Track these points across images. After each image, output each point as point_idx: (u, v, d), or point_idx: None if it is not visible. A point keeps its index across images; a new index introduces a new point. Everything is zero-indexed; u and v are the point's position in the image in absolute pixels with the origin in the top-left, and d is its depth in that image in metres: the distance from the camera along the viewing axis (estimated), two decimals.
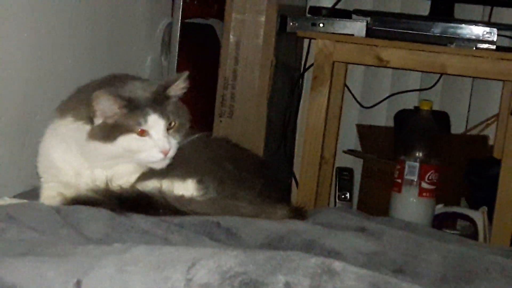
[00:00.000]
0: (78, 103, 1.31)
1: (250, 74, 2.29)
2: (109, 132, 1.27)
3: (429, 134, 2.31)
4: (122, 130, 1.26)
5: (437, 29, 2.21)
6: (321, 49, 2.20)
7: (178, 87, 1.32)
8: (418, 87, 2.73)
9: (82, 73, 1.85)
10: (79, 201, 1.26)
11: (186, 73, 1.33)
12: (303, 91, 2.64)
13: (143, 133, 1.27)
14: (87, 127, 1.28)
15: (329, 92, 2.24)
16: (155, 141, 1.27)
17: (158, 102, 1.28)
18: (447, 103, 2.72)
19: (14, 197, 1.40)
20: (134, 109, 1.26)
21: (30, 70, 1.65)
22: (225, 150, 1.41)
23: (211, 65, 2.35)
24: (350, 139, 2.79)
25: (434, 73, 2.53)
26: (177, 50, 2.13)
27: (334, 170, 2.56)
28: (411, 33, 2.22)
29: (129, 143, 1.27)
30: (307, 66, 2.56)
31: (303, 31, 2.29)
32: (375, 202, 2.46)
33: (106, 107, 1.26)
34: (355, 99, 2.75)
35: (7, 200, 1.33)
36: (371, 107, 2.75)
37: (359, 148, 2.71)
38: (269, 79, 2.28)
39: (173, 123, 1.29)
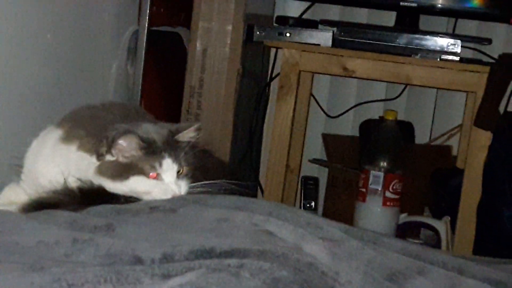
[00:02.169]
0: (86, 133, 1.31)
1: (216, 82, 2.30)
2: (121, 171, 1.27)
3: (393, 144, 2.34)
4: (135, 171, 1.27)
5: (402, 40, 2.24)
6: (287, 58, 2.22)
7: (188, 135, 1.33)
8: (383, 97, 2.75)
9: (47, 79, 1.86)
10: (37, 205, 1.26)
11: (198, 124, 1.34)
12: (270, 100, 2.64)
13: (155, 176, 1.27)
14: (93, 160, 1.28)
15: (295, 101, 2.26)
16: (166, 185, 1.28)
17: (172, 147, 1.29)
18: (411, 113, 2.74)
19: None
20: (151, 152, 1.27)
21: None
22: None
23: (177, 73, 2.34)
24: (315, 148, 2.80)
25: (399, 83, 2.56)
26: (143, 58, 2.14)
27: (300, 179, 2.57)
28: (376, 43, 2.25)
29: (140, 184, 1.27)
30: (273, 75, 2.58)
31: (270, 41, 2.31)
32: (340, 211, 2.46)
33: (127, 147, 1.26)
34: (321, 108, 2.76)
35: None
36: (337, 116, 2.76)
37: (324, 157, 2.71)
38: (236, 88, 2.30)
39: (182, 170, 1.30)
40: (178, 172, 1.30)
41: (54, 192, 1.28)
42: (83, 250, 1.06)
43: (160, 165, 1.27)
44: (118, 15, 2.15)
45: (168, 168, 1.28)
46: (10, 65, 1.70)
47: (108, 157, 1.27)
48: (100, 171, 1.27)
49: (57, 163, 1.30)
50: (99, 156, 1.28)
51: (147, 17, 2.13)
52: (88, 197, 1.27)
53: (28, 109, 1.81)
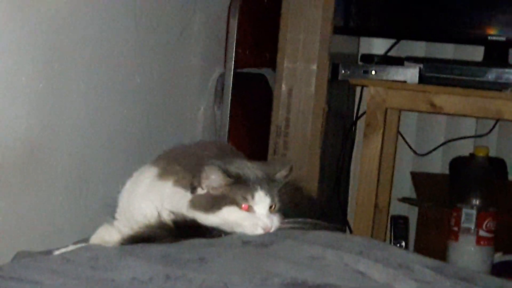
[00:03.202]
0: (181, 169, 1.33)
1: (302, 122, 2.30)
2: (213, 202, 1.29)
3: (485, 181, 2.30)
4: (227, 202, 1.28)
5: (491, 74, 2.20)
6: (373, 96, 2.22)
7: (282, 175, 1.35)
8: (473, 134, 2.67)
9: (137, 122, 1.92)
10: (132, 239, 1.28)
11: (291, 164, 1.37)
12: (356, 139, 2.62)
13: (247, 208, 1.28)
14: (187, 194, 1.30)
15: (382, 139, 2.24)
16: (258, 217, 1.29)
17: (265, 182, 1.30)
18: (503, 149, 2.66)
19: (73, 243, 1.41)
20: (242, 184, 1.29)
21: (88, 121, 1.70)
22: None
23: (263, 115, 2.37)
24: (404, 186, 2.74)
25: (489, 119, 2.51)
26: (229, 100, 2.17)
27: (389, 218, 2.52)
28: (464, 79, 2.21)
29: (232, 215, 1.29)
30: (359, 114, 2.57)
31: (355, 79, 2.30)
32: (431, 251, 2.31)
33: (213, 181, 1.28)
34: (409, 146, 2.71)
35: (69, 247, 1.36)
36: (426, 154, 2.70)
37: (414, 196, 2.66)
38: (322, 127, 2.30)
39: (273, 206, 1.31)
40: (270, 207, 1.30)
41: (148, 226, 1.30)
42: (176, 285, 1.07)
43: (253, 197, 1.28)
44: (205, 58, 2.19)
45: (261, 200, 1.29)
46: (102, 107, 1.75)
47: (200, 190, 1.30)
48: (194, 204, 1.29)
49: (152, 199, 1.32)
50: (192, 189, 1.30)
51: (233, 60, 2.17)
52: (181, 230, 1.28)
53: (119, 152, 1.85)
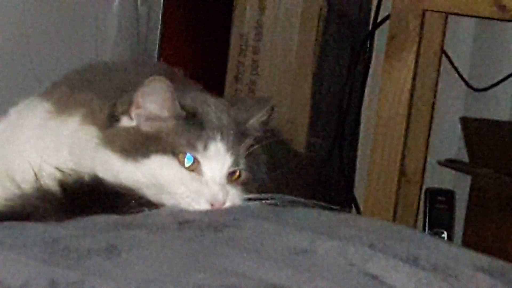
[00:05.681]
0: (94, 97, 1.33)
1: (284, 29, 2.25)
2: (139, 143, 1.28)
3: None
4: (160, 147, 1.27)
5: None
6: None
7: (259, 121, 1.34)
8: None
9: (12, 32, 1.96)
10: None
11: (271, 102, 1.37)
12: (372, 61, 2.56)
13: (192, 165, 1.27)
14: (99, 132, 1.30)
15: (416, 63, 2.16)
16: (206, 182, 1.28)
17: (230, 130, 1.30)
18: None
19: None
20: (194, 125, 1.28)
21: None
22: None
23: (217, 17, 2.30)
24: (450, 142, 2.74)
25: None
26: None
27: (423, 192, 2.46)
28: None
29: (165, 171, 1.27)
30: (379, 20, 2.50)
31: None
32: (490, 241, 2.42)
33: (154, 102, 1.27)
34: (460, 76, 2.64)
35: None
36: (485, 89, 2.66)
37: (464, 158, 2.64)
38: (316, 39, 2.23)
39: (239, 173, 1.30)
40: (232, 173, 1.29)
41: (23, 195, 1.29)
42: None
43: (205, 147, 1.26)
44: None
45: (217, 156, 1.27)
46: None
47: (125, 121, 1.27)
48: (108, 140, 1.28)
49: (41, 151, 1.33)
50: (112, 120, 1.28)
51: None
52: (75, 199, 1.27)
53: None
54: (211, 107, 1.31)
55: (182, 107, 1.27)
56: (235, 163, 1.28)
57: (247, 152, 1.32)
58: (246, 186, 1.31)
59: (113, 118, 1.28)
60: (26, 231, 1.20)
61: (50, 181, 1.30)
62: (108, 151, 1.28)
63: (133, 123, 1.27)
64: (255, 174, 1.34)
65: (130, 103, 1.27)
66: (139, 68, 1.43)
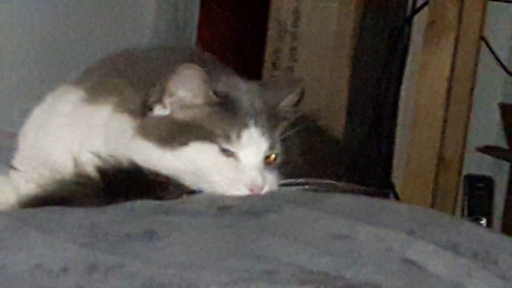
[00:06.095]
0: (125, 85, 1.34)
1: (322, 16, 2.27)
2: (176, 131, 1.29)
3: None
4: (199, 135, 1.28)
5: None
6: None
7: (291, 103, 1.36)
8: None
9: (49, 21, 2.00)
10: (38, 202, 1.28)
11: (301, 84, 1.38)
12: (411, 48, 2.60)
13: (229, 153, 1.29)
14: (133, 122, 1.31)
15: (455, 49, 2.23)
16: (244, 169, 1.29)
17: (264, 115, 1.31)
18: None
19: None
20: (228, 112, 1.29)
21: None
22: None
23: (255, 4, 2.37)
24: (489, 128, 2.74)
25: None
26: None
27: (462, 179, 2.52)
28: None
29: (205, 158, 1.28)
30: (417, 6, 2.54)
31: None
32: None
33: (187, 91, 1.27)
34: (499, 62, 2.65)
35: None
36: None
37: (503, 144, 2.65)
38: (354, 26, 2.27)
39: (274, 156, 1.31)
40: (267, 157, 1.30)
41: (62, 180, 1.29)
42: (106, 282, 1.03)
43: (239, 135, 1.27)
44: None
45: (252, 143, 1.28)
46: None
47: (158, 110, 1.28)
48: (144, 131, 1.28)
49: (75, 137, 1.34)
50: (145, 109, 1.28)
51: None
52: (114, 185, 1.28)
53: (21, 65, 1.95)
54: (243, 92, 1.31)
55: (215, 93, 1.28)
56: (271, 147, 1.30)
57: (282, 136, 1.32)
58: (282, 170, 1.33)
59: (146, 107, 1.29)
60: (66, 216, 1.20)
61: (88, 167, 1.31)
62: (145, 141, 1.29)
63: (167, 112, 1.29)
64: (290, 158, 1.35)
65: (162, 91, 1.28)
66: (171, 54, 1.43)
